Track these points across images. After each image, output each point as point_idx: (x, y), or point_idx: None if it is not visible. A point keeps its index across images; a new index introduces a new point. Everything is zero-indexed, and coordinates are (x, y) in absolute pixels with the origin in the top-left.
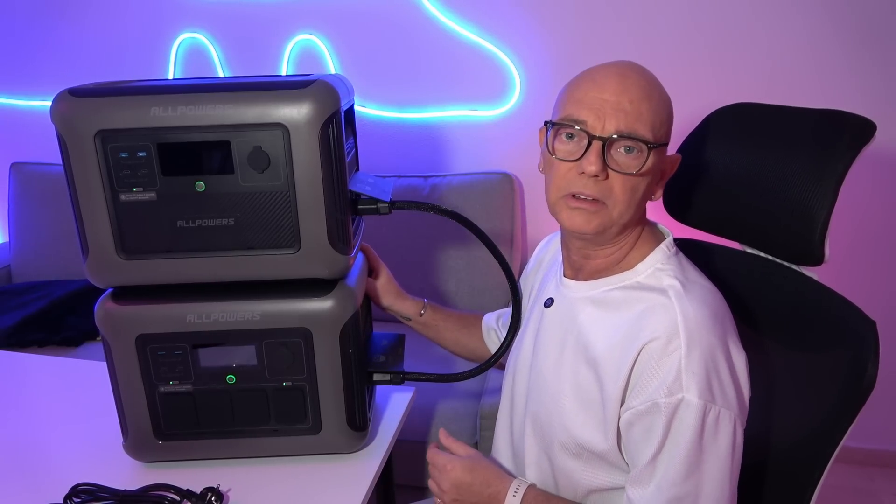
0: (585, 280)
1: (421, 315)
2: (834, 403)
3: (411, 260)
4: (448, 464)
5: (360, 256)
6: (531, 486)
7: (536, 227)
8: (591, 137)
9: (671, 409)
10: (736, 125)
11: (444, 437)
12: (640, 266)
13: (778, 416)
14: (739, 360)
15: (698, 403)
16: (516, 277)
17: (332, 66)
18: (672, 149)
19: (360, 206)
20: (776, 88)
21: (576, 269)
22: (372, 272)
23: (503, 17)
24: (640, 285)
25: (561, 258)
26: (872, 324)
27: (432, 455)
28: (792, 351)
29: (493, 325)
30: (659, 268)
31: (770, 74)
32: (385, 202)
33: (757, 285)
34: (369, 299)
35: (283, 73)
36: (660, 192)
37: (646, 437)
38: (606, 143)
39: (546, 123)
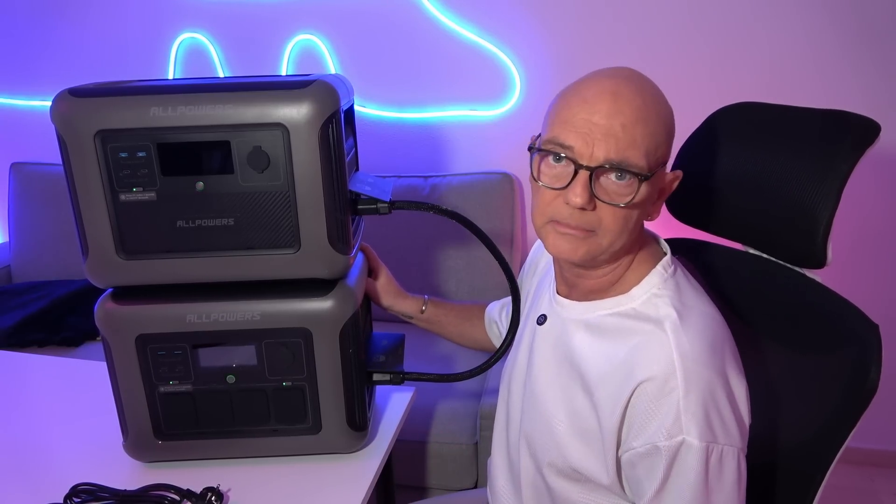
0: (579, 300)
1: (422, 312)
2: (837, 406)
3: (411, 260)
4: None
5: (360, 256)
6: None
7: None
8: (578, 166)
9: (672, 452)
10: (738, 125)
11: None
12: (635, 291)
13: (781, 419)
14: (740, 389)
15: (699, 445)
16: (516, 278)
17: (332, 66)
18: (673, 150)
19: (359, 206)
20: (777, 88)
21: (569, 286)
22: (371, 272)
23: (503, 17)
24: (635, 313)
25: (550, 273)
26: (875, 327)
27: None
28: (794, 353)
29: (496, 318)
30: (655, 293)
31: (771, 74)
32: (385, 202)
33: (759, 286)
34: (369, 299)
35: (283, 73)
36: (657, 213)
37: (649, 478)
38: (594, 173)
39: (530, 149)
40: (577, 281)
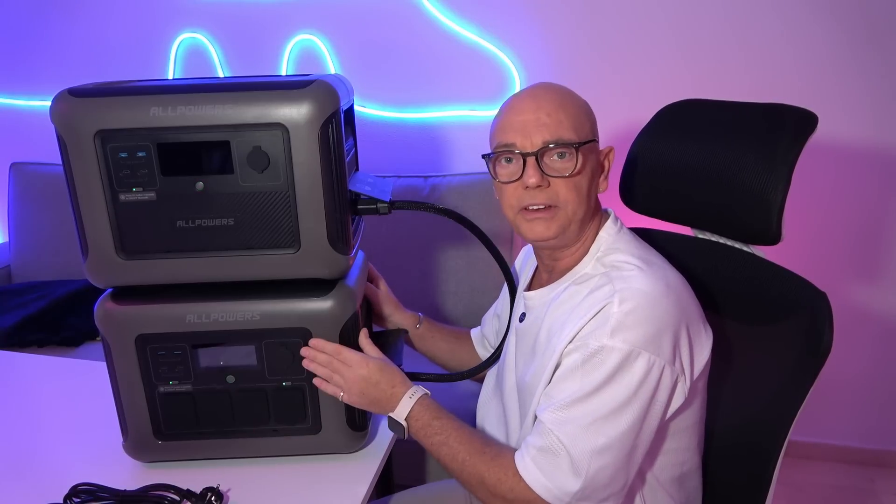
0: (555, 280)
1: (417, 327)
2: (796, 366)
3: (411, 260)
4: (362, 360)
5: (360, 256)
6: (426, 394)
7: None
8: (525, 155)
9: (594, 350)
10: (687, 119)
11: (364, 336)
12: (585, 259)
13: (743, 386)
14: (695, 330)
15: (623, 348)
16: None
17: (332, 66)
18: (626, 142)
19: (359, 206)
20: (778, 87)
21: (549, 271)
22: (371, 281)
23: (503, 17)
24: (586, 277)
25: (525, 274)
26: (824, 295)
27: (342, 351)
28: (751, 325)
29: (484, 332)
30: (599, 257)
31: (772, 73)
32: (385, 202)
33: (713, 266)
34: (369, 299)
35: (283, 73)
36: (605, 184)
37: (568, 367)
38: (539, 155)
39: (484, 157)
40: (555, 264)
